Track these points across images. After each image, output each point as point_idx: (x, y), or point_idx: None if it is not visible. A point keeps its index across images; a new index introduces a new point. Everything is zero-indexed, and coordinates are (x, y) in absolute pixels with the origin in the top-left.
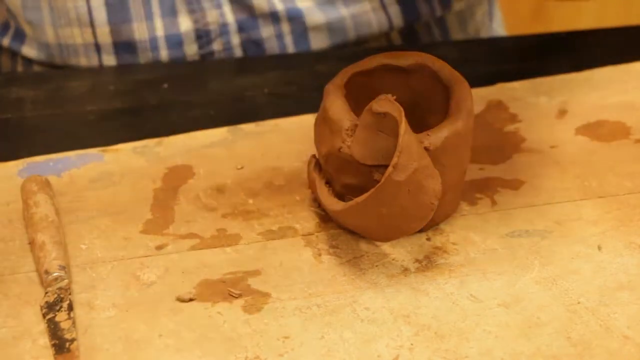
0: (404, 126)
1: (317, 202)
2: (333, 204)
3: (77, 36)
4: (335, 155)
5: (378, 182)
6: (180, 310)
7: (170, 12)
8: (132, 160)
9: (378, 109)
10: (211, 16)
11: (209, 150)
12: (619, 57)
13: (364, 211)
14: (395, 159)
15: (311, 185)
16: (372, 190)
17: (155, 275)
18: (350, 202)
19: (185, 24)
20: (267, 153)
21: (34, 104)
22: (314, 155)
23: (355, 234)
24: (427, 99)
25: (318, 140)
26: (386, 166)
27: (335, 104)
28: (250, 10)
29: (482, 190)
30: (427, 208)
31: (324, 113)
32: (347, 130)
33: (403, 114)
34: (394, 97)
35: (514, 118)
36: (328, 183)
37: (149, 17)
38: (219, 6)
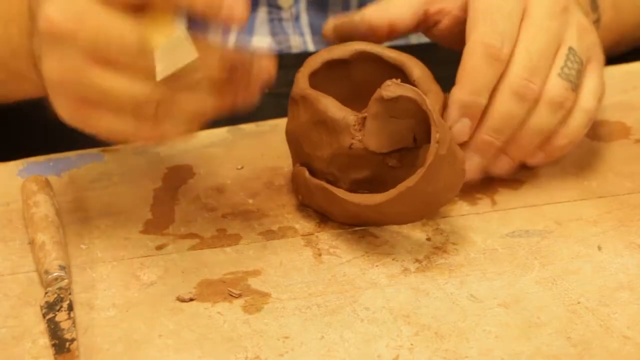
0: (429, 102)
1: (311, 208)
2: (367, 199)
3: None
4: (343, 154)
5: (393, 167)
6: (180, 310)
7: (248, 31)
8: (132, 160)
9: (390, 95)
10: (294, 41)
11: (209, 150)
12: (619, 57)
13: (413, 194)
14: (436, 135)
15: (302, 195)
16: (421, 170)
17: (155, 275)
18: (399, 189)
19: (265, 44)
20: (267, 153)
21: (35, 104)
22: (298, 165)
23: (355, 233)
24: (368, 88)
25: (311, 147)
26: (399, 151)
27: (330, 104)
28: None
29: (482, 190)
30: (461, 175)
31: (318, 116)
32: (355, 125)
33: (420, 91)
34: (398, 79)
35: None
36: (331, 184)
37: (225, 31)
38: (301, 35)
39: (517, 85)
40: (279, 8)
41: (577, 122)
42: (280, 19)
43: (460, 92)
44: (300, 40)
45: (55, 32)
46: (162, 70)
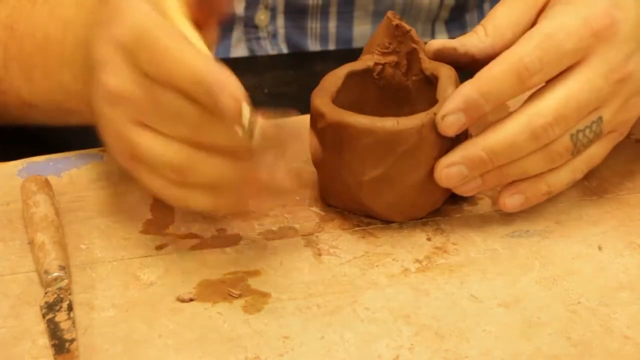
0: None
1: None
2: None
3: None
4: None
5: None
6: (180, 310)
7: (224, 52)
8: None
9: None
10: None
11: None
12: None
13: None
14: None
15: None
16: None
17: (155, 275)
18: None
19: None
20: None
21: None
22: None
23: (355, 233)
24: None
25: None
26: None
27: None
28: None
29: (482, 190)
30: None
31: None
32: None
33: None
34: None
35: None
36: None
37: None
38: (279, 51)
39: (538, 126)
40: (255, 27)
41: (562, 176)
42: (258, 38)
43: (472, 87)
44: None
45: (110, 97)
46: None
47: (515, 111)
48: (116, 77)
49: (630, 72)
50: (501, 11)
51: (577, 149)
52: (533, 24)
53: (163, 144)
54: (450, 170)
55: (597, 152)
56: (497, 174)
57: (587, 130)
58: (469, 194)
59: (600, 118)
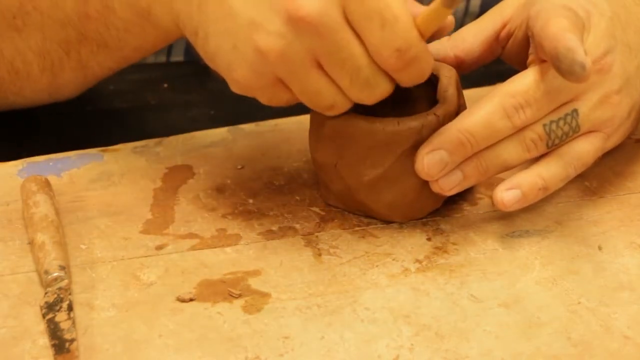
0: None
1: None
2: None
3: None
4: None
5: None
6: (180, 310)
7: None
8: (132, 160)
9: None
10: None
11: (209, 150)
12: None
13: None
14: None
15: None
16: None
17: (155, 275)
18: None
19: None
20: (267, 153)
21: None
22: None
23: (355, 233)
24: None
25: None
26: None
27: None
28: None
29: (482, 190)
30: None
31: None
32: None
33: None
34: None
35: None
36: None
37: None
38: None
39: (509, 105)
40: None
41: (555, 169)
42: None
43: (457, 125)
44: None
45: (303, 23)
46: None
47: (489, 94)
48: (316, 5)
49: (609, 65)
50: (469, 24)
51: (551, 140)
52: (498, 31)
53: (328, 86)
54: (431, 157)
55: (585, 148)
56: (476, 165)
57: (561, 122)
58: (452, 193)
59: (575, 111)
